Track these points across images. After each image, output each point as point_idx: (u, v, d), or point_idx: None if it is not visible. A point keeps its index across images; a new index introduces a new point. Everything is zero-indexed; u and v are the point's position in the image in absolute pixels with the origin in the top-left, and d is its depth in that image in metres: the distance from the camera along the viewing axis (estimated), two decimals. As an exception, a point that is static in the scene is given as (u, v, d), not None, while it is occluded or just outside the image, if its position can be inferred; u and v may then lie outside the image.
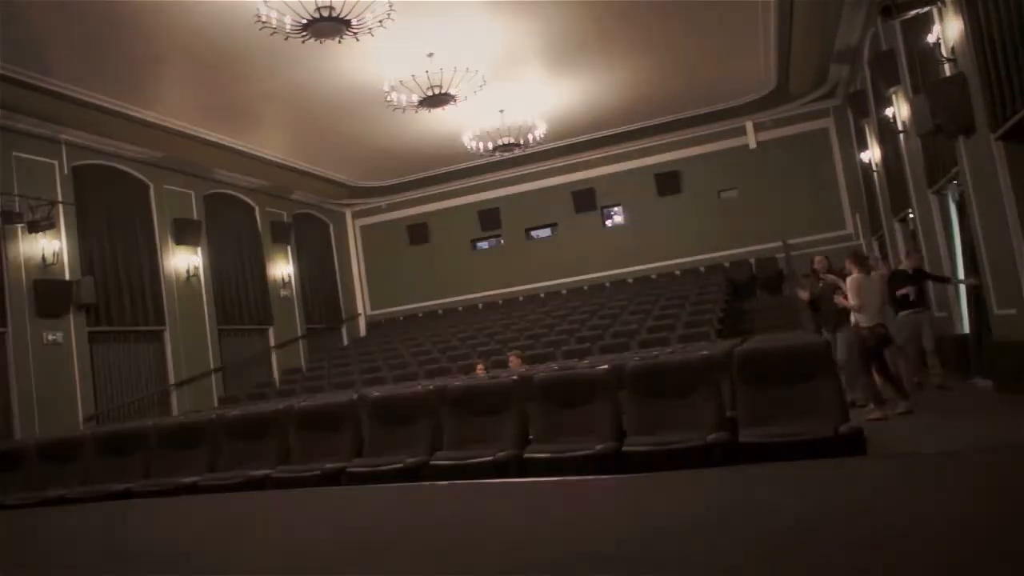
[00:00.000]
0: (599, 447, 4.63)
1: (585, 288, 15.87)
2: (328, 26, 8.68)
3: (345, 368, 13.12)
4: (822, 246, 14.83)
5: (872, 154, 12.68)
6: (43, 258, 10.84)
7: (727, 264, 15.43)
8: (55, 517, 4.58)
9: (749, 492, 2.68)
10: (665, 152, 16.22)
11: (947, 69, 7.50)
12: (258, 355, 14.96)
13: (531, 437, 5.20)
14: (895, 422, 6.73)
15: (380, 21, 8.75)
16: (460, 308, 17.36)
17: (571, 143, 16.18)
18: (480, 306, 17.15)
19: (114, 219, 12.28)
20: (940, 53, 7.52)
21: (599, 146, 16.42)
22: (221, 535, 3.22)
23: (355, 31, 8.88)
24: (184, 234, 13.38)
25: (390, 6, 8.58)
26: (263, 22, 8.51)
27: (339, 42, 9.24)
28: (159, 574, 2.59)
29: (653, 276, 15.49)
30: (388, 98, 11.05)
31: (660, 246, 15.83)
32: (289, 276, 16.15)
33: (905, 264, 8.66)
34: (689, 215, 15.91)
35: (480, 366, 9.81)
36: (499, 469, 4.78)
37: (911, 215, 10.63)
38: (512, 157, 15.17)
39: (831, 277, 8.31)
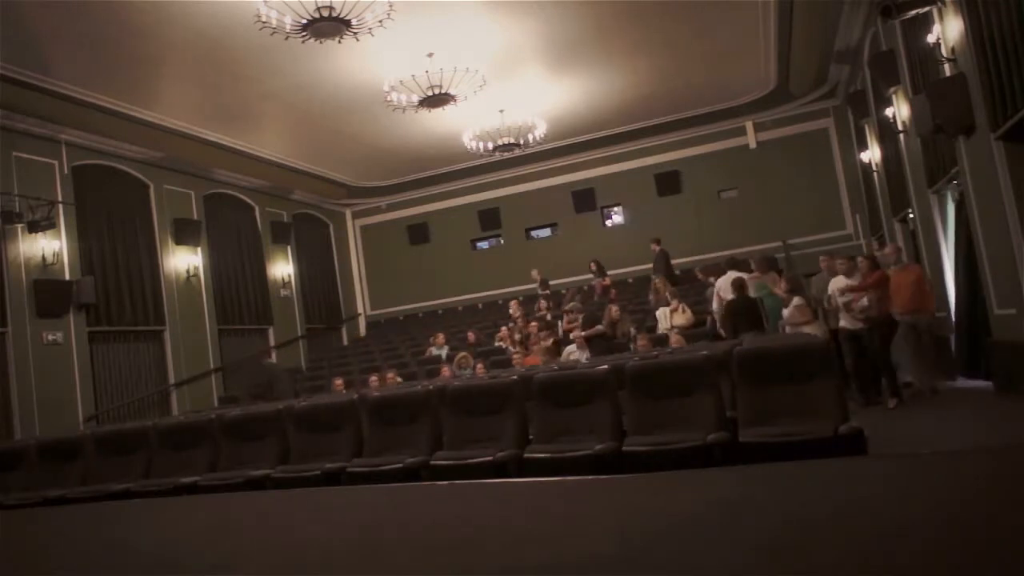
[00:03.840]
0: (599, 447, 4.63)
1: (585, 288, 15.84)
2: (328, 26, 8.68)
3: (345, 368, 13.12)
4: (822, 246, 14.86)
5: (872, 154, 12.68)
6: (43, 258, 10.84)
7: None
8: (55, 517, 4.58)
9: (749, 492, 2.68)
10: (665, 152, 16.21)
11: (947, 69, 7.50)
12: (256, 355, 14.93)
13: (531, 437, 5.20)
14: (895, 422, 6.74)
15: (380, 21, 8.76)
16: (460, 308, 17.36)
17: (571, 143, 16.18)
18: (480, 306, 17.14)
19: (114, 219, 12.28)
20: (940, 53, 7.51)
21: (599, 146, 16.42)
22: (221, 535, 3.22)
23: (355, 31, 8.88)
24: (184, 234, 13.37)
25: (390, 6, 8.59)
26: (263, 22, 8.52)
27: (339, 42, 9.24)
28: (159, 574, 2.59)
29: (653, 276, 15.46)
30: (388, 98, 11.06)
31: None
32: (289, 276, 16.15)
33: None
34: (689, 215, 15.90)
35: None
36: (499, 469, 4.78)
37: (911, 215, 10.63)
38: (512, 157, 15.16)
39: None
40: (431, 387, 6.15)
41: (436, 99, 11.14)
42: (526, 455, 4.89)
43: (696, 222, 15.80)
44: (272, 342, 15.30)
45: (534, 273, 14.82)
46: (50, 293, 10.74)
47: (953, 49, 7.27)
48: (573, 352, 9.50)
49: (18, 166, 10.71)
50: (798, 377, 4.55)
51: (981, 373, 8.03)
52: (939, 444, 5.64)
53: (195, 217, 13.78)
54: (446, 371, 9.61)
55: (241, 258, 14.90)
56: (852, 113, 13.49)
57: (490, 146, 13.43)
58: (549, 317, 12.73)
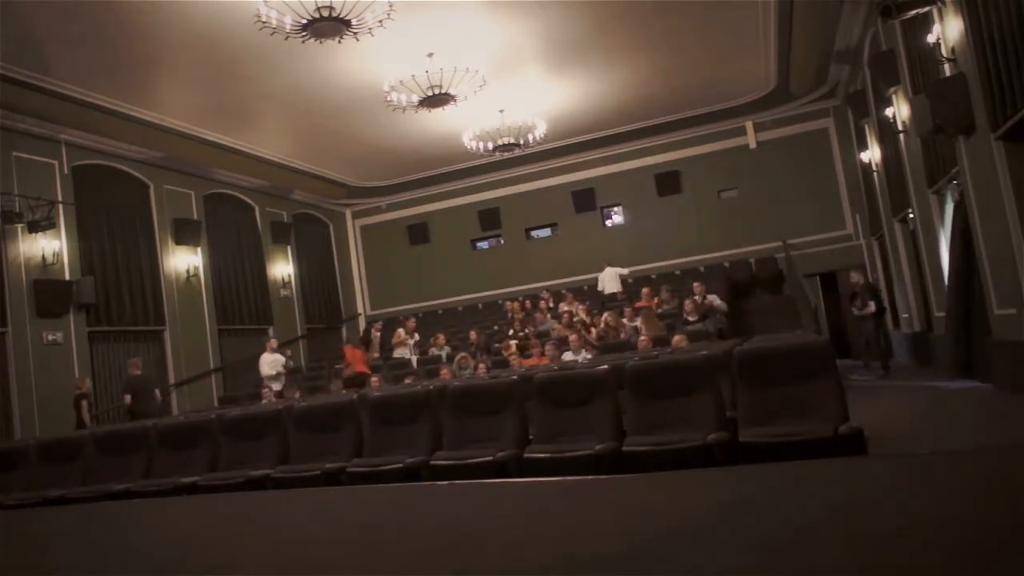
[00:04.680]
0: (599, 447, 4.63)
1: (585, 288, 15.84)
2: (328, 26, 8.68)
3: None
4: (822, 246, 14.91)
5: (872, 154, 12.68)
6: (43, 258, 10.84)
7: (727, 264, 15.42)
8: (55, 517, 4.58)
9: (749, 492, 2.68)
10: (665, 152, 16.21)
11: (947, 69, 7.50)
12: (258, 355, 14.92)
13: (531, 437, 5.20)
14: (895, 422, 6.74)
15: (380, 21, 8.75)
16: (460, 308, 17.35)
17: (571, 143, 16.18)
18: (480, 306, 17.15)
19: (114, 219, 12.28)
20: (940, 53, 7.51)
21: (599, 146, 16.42)
22: (221, 535, 3.22)
23: (355, 31, 8.88)
24: (184, 234, 13.37)
25: (390, 6, 8.58)
26: (263, 22, 8.51)
27: (339, 42, 9.24)
28: (159, 574, 2.59)
29: (653, 276, 15.47)
30: (388, 98, 11.05)
31: (660, 246, 15.83)
32: (289, 276, 16.14)
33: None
34: (689, 215, 15.90)
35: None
36: (499, 469, 4.78)
37: (911, 215, 10.64)
38: (512, 157, 15.16)
39: None
40: (431, 387, 6.15)
41: (436, 99, 11.13)
42: (526, 455, 4.89)
43: (696, 222, 15.80)
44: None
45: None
46: (50, 293, 10.74)
47: (953, 49, 7.27)
48: (570, 356, 9.52)
49: (18, 166, 10.71)
50: (798, 377, 4.54)
51: (975, 375, 8.03)
52: (939, 444, 5.64)
53: (195, 217, 13.78)
54: (445, 373, 9.60)
55: (241, 258, 14.89)
56: (852, 113, 13.49)
57: (490, 146, 13.42)
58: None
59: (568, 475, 4.17)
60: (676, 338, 8.55)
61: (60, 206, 11.14)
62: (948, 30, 7.27)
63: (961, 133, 7.32)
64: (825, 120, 15.14)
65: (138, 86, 10.93)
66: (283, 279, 15.98)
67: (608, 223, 17.10)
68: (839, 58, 12.60)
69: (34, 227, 10.52)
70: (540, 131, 13.39)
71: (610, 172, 16.65)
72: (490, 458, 4.85)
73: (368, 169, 16.74)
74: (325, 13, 8.45)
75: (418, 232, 18.14)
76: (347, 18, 8.58)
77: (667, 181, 16.14)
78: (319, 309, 17.03)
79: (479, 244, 18.06)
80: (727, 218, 15.61)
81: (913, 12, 7.26)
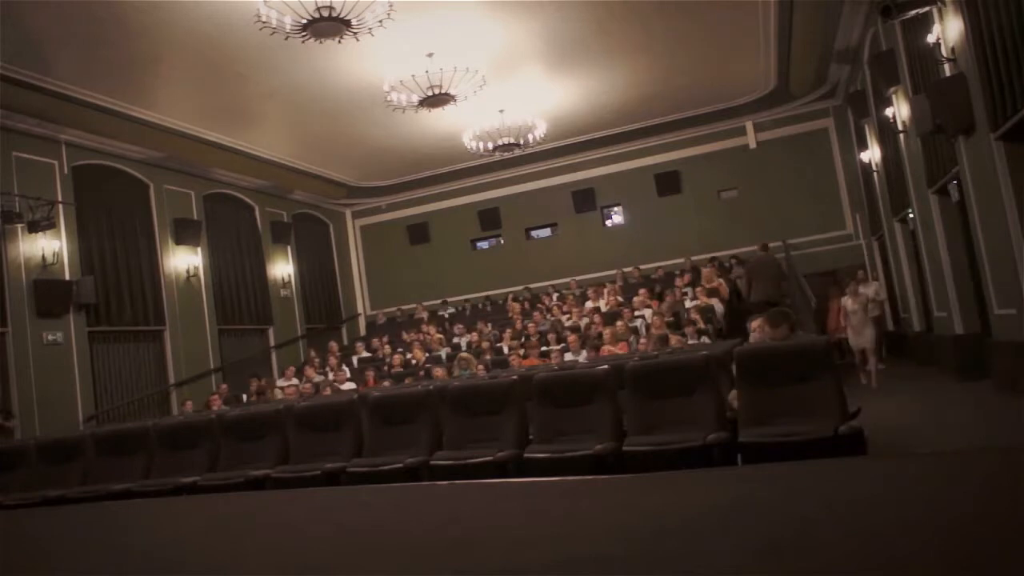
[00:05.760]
0: (599, 447, 4.63)
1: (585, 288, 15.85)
2: (328, 26, 8.68)
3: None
4: (822, 246, 14.91)
5: (872, 154, 12.68)
6: (43, 258, 10.84)
7: (727, 264, 15.41)
8: (55, 517, 4.58)
9: (749, 492, 2.68)
10: (665, 152, 16.21)
11: (947, 69, 7.50)
12: (258, 355, 14.95)
13: (531, 437, 5.20)
14: (895, 422, 6.74)
15: (380, 21, 8.75)
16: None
17: (571, 143, 16.18)
18: (480, 306, 17.14)
19: (114, 219, 12.28)
20: (940, 53, 7.52)
21: (599, 146, 16.42)
22: (221, 535, 3.22)
23: (355, 31, 8.88)
24: (184, 234, 13.37)
25: (390, 6, 8.59)
26: (263, 22, 8.52)
27: (339, 42, 9.24)
28: (159, 574, 2.59)
29: (653, 276, 15.49)
30: (388, 98, 11.05)
31: (660, 246, 15.83)
32: (289, 276, 16.15)
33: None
34: (689, 215, 15.91)
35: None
36: (499, 469, 4.78)
37: (911, 215, 10.64)
38: (512, 157, 15.15)
39: None
40: (431, 387, 6.15)
41: (436, 99, 11.13)
42: (526, 455, 4.89)
43: (696, 222, 15.80)
44: (272, 342, 15.31)
45: None
46: (50, 293, 10.73)
47: (953, 49, 7.28)
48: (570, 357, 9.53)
49: (18, 166, 10.71)
50: (798, 377, 4.54)
51: (975, 375, 8.04)
52: (939, 444, 5.64)
53: (195, 217, 13.78)
54: (440, 373, 9.49)
55: (241, 258, 14.90)
56: (852, 113, 13.50)
57: (490, 146, 13.42)
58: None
59: (568, 475, 4.17)
60: (674, 338, 8.57)
61: (60, 206, 11.14)
62: (948, 30, 7.27)
63: (961, 133, 7.32)
64: (825, 120, 15.14)
65: (138, 86, 10.93)
66: (283, 279, 15.98)
67: (608, 223, 17.10)
68: (839, 58, 12.60)
69: (34, 227, 10.51)
70: (540, 131, 13.39)
71: (610, 172, 16.65)
72: (490, 458, 4.85)
73: (368, 169, 16.74)
74: (325, 13, 8.45)
75: (418, 232, 18.14)
76: (347, 18, 8.59)
77: (667, 181, 16.14)
78: (319, 309, 17.03)
79: (479, 244, 18.07)
80: (727, 218, 15.61)
81: (913, 12, 7.27)
